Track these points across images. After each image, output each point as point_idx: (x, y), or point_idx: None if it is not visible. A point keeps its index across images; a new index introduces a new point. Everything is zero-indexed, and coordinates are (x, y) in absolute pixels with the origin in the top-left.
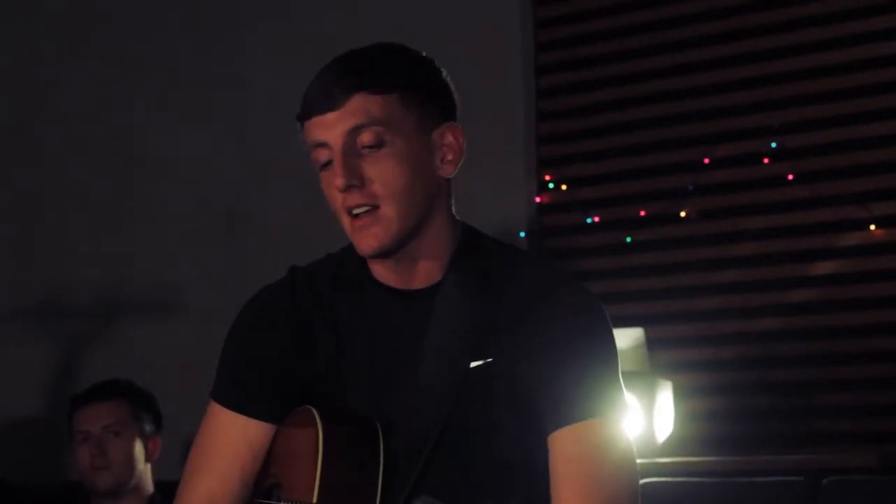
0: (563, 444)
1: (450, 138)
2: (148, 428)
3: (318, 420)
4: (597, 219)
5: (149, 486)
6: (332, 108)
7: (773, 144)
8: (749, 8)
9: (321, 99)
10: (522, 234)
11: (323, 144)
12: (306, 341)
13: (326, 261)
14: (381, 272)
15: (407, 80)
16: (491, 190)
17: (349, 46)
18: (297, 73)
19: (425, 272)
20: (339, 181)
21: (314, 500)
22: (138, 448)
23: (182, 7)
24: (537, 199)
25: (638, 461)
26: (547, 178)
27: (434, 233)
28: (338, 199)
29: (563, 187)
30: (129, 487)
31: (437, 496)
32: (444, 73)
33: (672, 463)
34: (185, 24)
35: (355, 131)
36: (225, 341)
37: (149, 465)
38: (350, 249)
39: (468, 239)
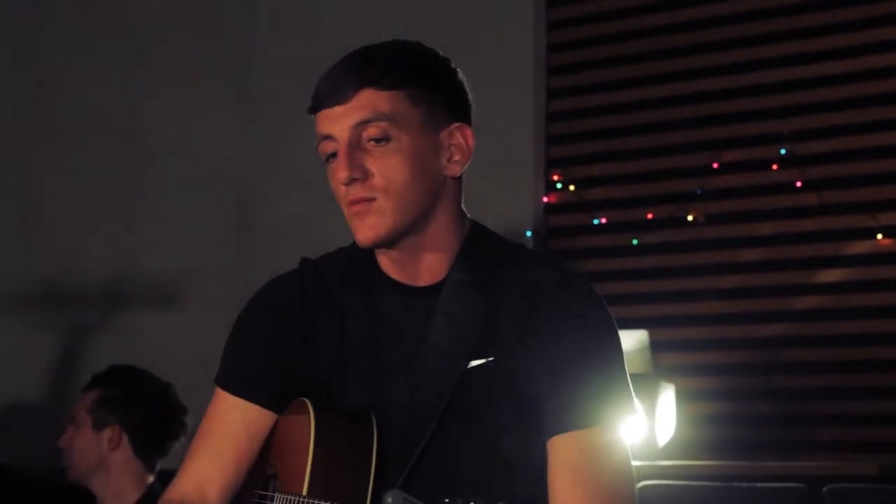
0: (563, 449)
1: (458, 138)
2: (108, 417)
3: (312, 411)
4: (604, 220)
5: (123, 477)
6: (339, 102)
7: (783, 151)
8: (762, 15)
9: (330, 93)
10: (529, 234)
11: (329, 137)
12: (311, 333)
13: (337, 254)
14: (388, 266)
15: (416, 77)
16: (499, 189)
17: (357, 40)
18: (306, 65)
19: (430, 268)
20: (342, 174)
21: (304, 491)
22: (92, 437)
23: None
24: (545, 199)
25: (639, 464)
26: (555, 178)
27: (437, 229)
28: (340, 192)
29: (571, 188)
30: (91, 476)
31: (430, 491)
32: (459, 74)
33: (673, 466)
34: (195, 13)
35: (361, 125)
36: (231, 329)
37: (119, 454)
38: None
39: (475, 236)
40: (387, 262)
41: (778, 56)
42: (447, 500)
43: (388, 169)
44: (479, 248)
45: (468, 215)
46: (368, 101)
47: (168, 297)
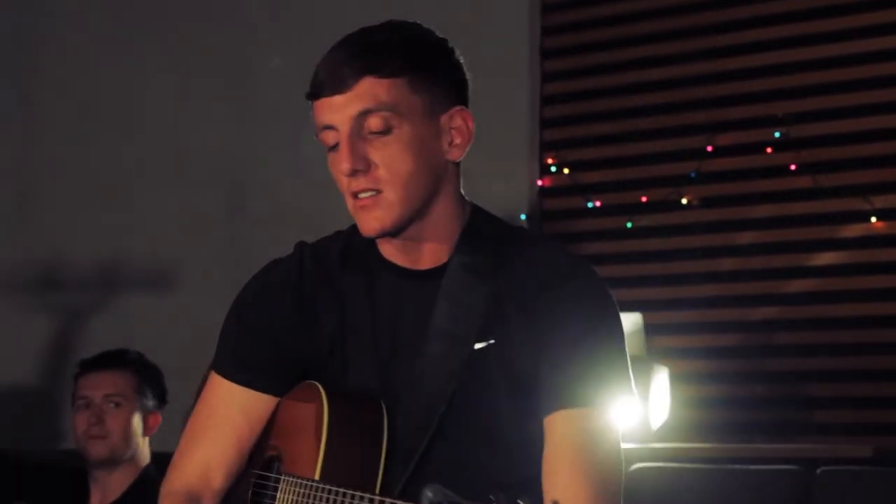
0: (559, 427)
1: (459, 122)
2: (150, 403)
3: (324, 396)
4: (598, 203)
5: (145, 459)
6: (339, 91)
7: (777, 134)
8: None
9: (329, 80)
10: (523, 217)
11: (330, 127)
12: (311, 317)
13: (335, 238)
14: (389, 251)
15: (416, 63)
16: (493, 172)
17: (355, 23)
18: (302, 49)
19: (432, 252)
20: (345, 166)
21: (317, 475)
22: (137, 421)
23: None
24: (539, 183)
25: (633, 446)
26: (549, 161)
27: (439, 214)
28: (343, 182)
29: (566, 171)
30: (124, 459)
31: (439, 475)
32: (457, 54)
33: (666, 448)
34: None
35: (363, 116)
36: (228, 314)
37: (146, 439)
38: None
39: (476, 220)
40: (388, 247)
41: (772, 39)
42: (492, 498)
43: (392, 160)
44: (481, 231)
45: (467, 199)
46: (369, 91)
47: (162, 280)
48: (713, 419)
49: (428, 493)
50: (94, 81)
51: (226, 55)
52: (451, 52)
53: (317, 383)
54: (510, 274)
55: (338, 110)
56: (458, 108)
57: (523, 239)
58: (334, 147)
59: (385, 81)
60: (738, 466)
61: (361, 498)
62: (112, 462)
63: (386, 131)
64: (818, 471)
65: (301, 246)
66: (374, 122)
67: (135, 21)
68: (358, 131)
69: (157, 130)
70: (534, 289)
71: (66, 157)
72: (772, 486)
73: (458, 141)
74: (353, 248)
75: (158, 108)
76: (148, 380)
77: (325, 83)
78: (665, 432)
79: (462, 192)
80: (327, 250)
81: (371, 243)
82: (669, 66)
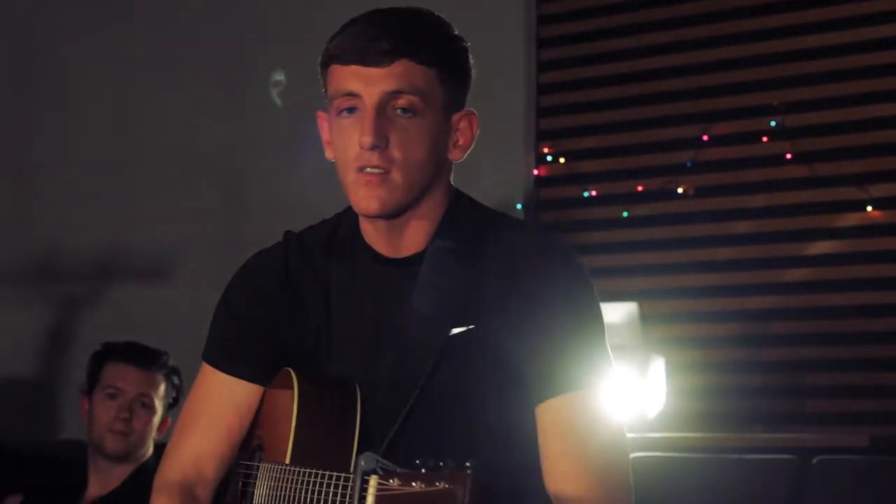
0: (551, 415)
1: (465, 124)
2: (168, 409)
3: (295, 381)
4: (594, 193)
5: (148, 454)
6: (376, 64)
7: (773, 123)
8: None
9: (366, 51)
10: (520, 206)
11: (355, 95)
12: (297, 306)
13: (320, 227)
14: (372, 237)
15: (448, 57)
16: (490, 161)
17: (351, 13)
18: (298, 39)
19: (414, 239)
20: (368, 139)
21: (287, 460)
22: (156, 423)
23: None
24: (535, 172)
25: (629, 436)
26: (546, 150)
27: (428, 204)
28: (351, 152)
29: (562, 160)
30: (135, 456)
31: (414, 458)
32: (471, 57)
33: (663, 438)
34: None
35: (393, 94)
36: (218, 304)
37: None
38: (343, 216)
39: (457, 205)
40: (371, 233)
41: (768, 28)
42: (418, 462)
43: (409, 143)
44: (462, 216)
45: (452, 185)
46: (406, 72)
47: (160, 270)
48: (709, 409)
49: (360, 462)
50: (91, 72)
51: (222, 47)
52: (469, 53)
53: (290, 370)
54: (488, 259)
55: (370, 82)
56: (468, 110)
57: (503, 223)
58: (347, 111)
59: (420, 67)
60: (734, 456)
61: (318, 475)
62: (124, 458)
63: (412, 112)
64: (815, 460)
65: (288, 235)
66: (402, 102)
67: (131, 13)
68: (383, 108)
69: (154, 121)
70: (511, 274)
71: (64, 148)
72: (768, 476)
73: (461, 142)
74: (337, 236)
75: (155, 99)
76: (173, 386)
77: (357, 53)
78: (661, 422)
79: (450, 180)
80: (313, 238)
81: (355, 232)
82: (665, 55)
